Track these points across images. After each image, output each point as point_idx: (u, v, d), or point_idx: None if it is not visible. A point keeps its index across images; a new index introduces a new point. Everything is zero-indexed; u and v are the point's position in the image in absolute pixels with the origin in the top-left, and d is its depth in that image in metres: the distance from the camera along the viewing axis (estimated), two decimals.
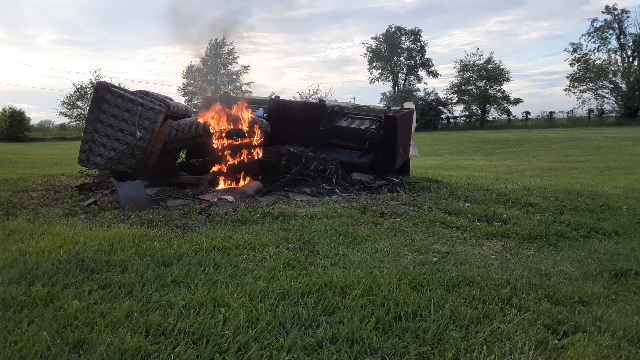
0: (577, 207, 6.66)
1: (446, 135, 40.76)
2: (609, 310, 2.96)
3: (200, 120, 7.42)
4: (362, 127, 8.61)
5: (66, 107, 54.38)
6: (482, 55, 63.64)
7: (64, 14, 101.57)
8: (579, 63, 56.99)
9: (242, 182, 7.41)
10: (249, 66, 62.88)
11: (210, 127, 7.36)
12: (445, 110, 62.81)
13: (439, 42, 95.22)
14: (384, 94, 65.48)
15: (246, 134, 7.55)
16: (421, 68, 67.23)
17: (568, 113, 56.96)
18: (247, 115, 7.72)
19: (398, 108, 9.72)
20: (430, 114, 58.63)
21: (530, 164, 15.67)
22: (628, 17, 54.15)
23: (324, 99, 23.77)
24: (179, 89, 62.31)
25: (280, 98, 9.52)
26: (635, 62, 54.91)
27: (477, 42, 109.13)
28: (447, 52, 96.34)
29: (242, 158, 7.55)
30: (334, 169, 7.59)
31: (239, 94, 32.95)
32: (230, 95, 10.10)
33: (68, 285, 3.11)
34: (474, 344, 2.43)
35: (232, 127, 7.49)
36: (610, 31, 54.99)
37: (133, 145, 7.17)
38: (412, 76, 67.56)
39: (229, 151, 7.53)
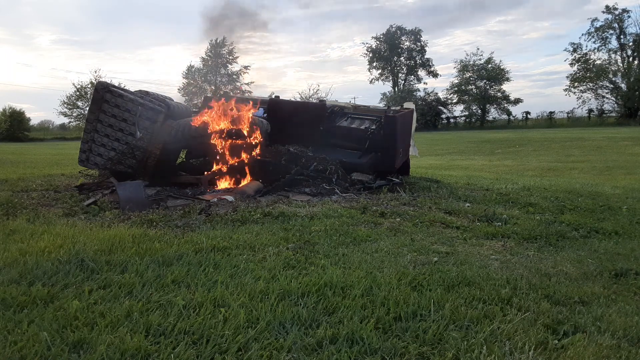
0: (577, 207, 6.66)
1: (446, 135, 40.75)
2: (609, 310, 2.96)
3: (200, 120, 7.42)
4: (362, 127, 8.61)
5: (66, 107, 54.35)
6: (482, 55, 63.67)
7: (64, 14, 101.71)
8: (579, 63, 56.97)
9: (242, 182, 7.41)
10: (249, 66, 62.87)
11: (209, 127, 7.37)
12: (445, 110, 62.83)
13: (439, 42, 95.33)
14: (384, 94, 65.41)
15: (246, 134, 7.55)
16: (421, 68, 67.20)
17: (568, 113, 56.96)
18: (247, 115, 7.72)
19: (398, 108, 9.71)
20: (430, 114, 58.59)
21: (530, 164, 15.67)
22: (629, 16, 54.12)
23: (324, 99, 23.75)
24: (179, 89, 62.32)
25: (280, 98, 9.52)
26: (636, 62, 54.86)
27: (478, 42, 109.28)
28: (448, 52, 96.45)
29: (242, 158, 7.55)
30: (334, 169, 7.59)
31: (238, 94, 32.93)
32: (230, 95, 10.09)
33: (68, 285, 3.12)
34: (474, 344, 2.43)
35: (232, 127, 7.49)
36: (611, 31, 54.97)
37: (133, 145, 7.17)
38: (412, 76, 67.51)
39: (228, 151, 7.53)
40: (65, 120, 56.42)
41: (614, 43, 55.42)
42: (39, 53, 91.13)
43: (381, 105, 22.32)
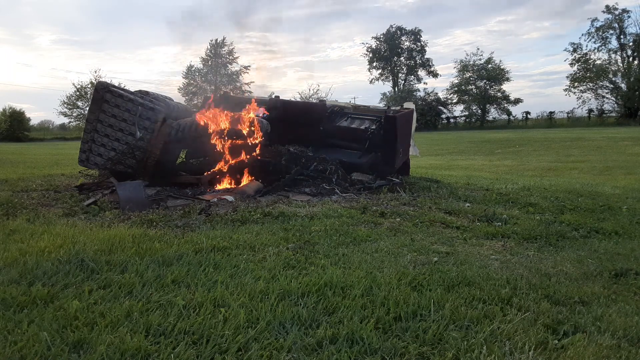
0: (577, 207, 6.66)
1: (446, 135, 40.74)
2: (609, 310, 2.96)
3: (200, 120, 7.43)
4: (362, 127, 8.61)
5: (66, 107, 54.37)
6: (482, 55, 63.69)
7: (64, 13, 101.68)
8: (579, 63, 56.95)
9: (242, 182, 7.41)
10: (249, 66, 62.83)
11: (209, 127, 7.37)
12: (445, 110, 62.80)
13: (439, 42, 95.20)
14: (384, 94, 65.38)
15: (246, 134, 7.55)
16: (421, 68, 67.22)
17: (568, 113, 56.94)
18: (247, 115, 7.73)
19: (398, 108, 9.71)
20: (430, 114, 58.54)
21: (530, 164, 15.67)
22: (629, 17, 54.07)
23: (324, 99, 23.75)
24: (179, 89, 62.32)
25: (280, 98, 9.53)
26: (635, 62, 54.84)
27: (478, 42, 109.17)
28: (448, 52, 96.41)
29: (242, 158, 7.55)
30: (334, 169, 7.59)
31: (238, 94, 32.97)
32: (230, 96, 10.11)
33: (68, 285, 3.12)
34: (474, 344, 2.43)
35: (232, 127, 7.49)
36: (611, 31, 54.94)
37: (133, 145, 7.17)
38: (412, 76, 67.51)
39: (229, 151, 7.53)
40: (65, 120, 56.50)
41: (614, 43, 55.42)
42: (39, 53, 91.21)
43: (381, 105, 22.32)
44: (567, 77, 60.17)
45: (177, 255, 3.79)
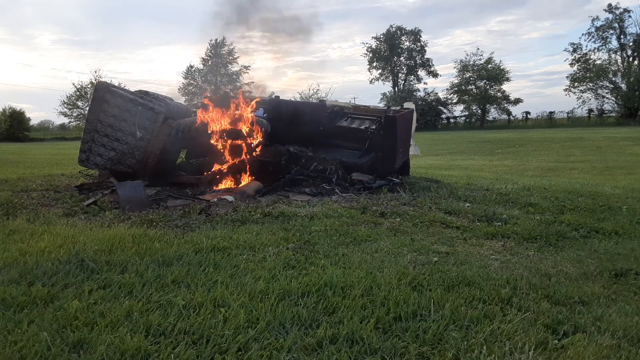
0: (577, 207, 6.66)
1: (446, 135, 40.75)
2: (609, 310, 2.96)
3: (200, 120, 7.42)
4: (362, 127, 8.61)
5: (66, 107, 54.47)
6: (482, 55, 63.75)
7: (64, 13, 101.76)
8: (579, 63, 57.00)
9: (242, 182, 7.41)
10: (249, 66, 62.80)
11: (209, 127, 7.37)
12: (445, 110, 62.91)
13: (440, 42, 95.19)
14: (384, 94, 65.52)
15: (246, 134, 7.55)
16: (421, 68, 67.24)
17: (568, 113, 57.00)
18: (247, 115, 7.73)
19: (398, 108, 9.72)
20: (430, 114, 58.64)
21: (530, 164, 15.67)
22: (629, 16, 54.12)
23: (324, 99, 23.74)
24: (179, 89, 62.35)
25: (280, 98, 9.52)
26: (636, 62, 54.90)
27: (478, 42, 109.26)
28: (448, 51, 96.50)
29: (242, 158, 7.55)
30: (334, 169, 7.59)
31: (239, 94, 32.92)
32: (230, 95, 10.09)
33: (68, 285, 3.12)
34: (474, 344, 2.43)
35: (232, 127, 7.49)
36: (611, 31, 54.98)
37: (133, 145, 7.17)
38: (412, 76, 67.55)
39: (229, 151, 7.53)
40: (65, 120, 56.60)
41: (614, 43, 55.51)
42: (40, 53, 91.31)
43: (381, 105, 22.33)
44: (567, 77, 60.32)
45: (177, 255, 3.79)
